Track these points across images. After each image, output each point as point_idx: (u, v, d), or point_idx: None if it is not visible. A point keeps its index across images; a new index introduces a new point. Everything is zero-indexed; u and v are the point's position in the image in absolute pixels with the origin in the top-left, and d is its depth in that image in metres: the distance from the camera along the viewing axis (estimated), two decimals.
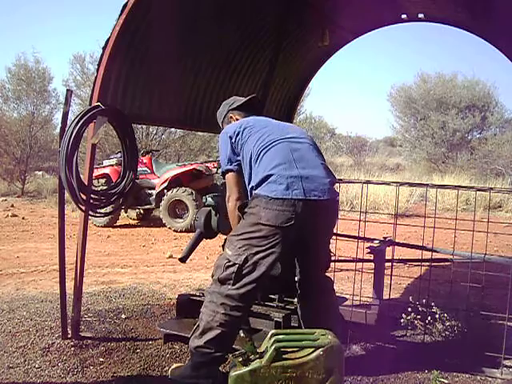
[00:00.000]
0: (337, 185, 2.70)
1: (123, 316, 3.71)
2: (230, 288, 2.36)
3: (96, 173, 8.15)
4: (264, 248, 2.34)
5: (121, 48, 3.06)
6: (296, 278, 2.67)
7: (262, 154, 2.46)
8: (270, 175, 2.37)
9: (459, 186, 3.63)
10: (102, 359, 2.90)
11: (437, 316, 3.21)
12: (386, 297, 3.65)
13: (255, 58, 4.55)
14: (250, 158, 2.49)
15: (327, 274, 2.75)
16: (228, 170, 2.59)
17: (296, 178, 2.35)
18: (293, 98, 5.44)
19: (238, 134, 2.58)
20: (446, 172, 16.24)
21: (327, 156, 22.34)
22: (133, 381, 2.65)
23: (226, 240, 2.67)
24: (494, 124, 20.24)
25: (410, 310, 3.30)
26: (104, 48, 3.00)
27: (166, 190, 8.44)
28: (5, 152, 12.84)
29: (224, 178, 2.65)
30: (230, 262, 2.37)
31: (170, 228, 8.29)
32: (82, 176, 3.00)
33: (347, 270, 4.89)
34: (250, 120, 2.68)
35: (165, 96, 3.73)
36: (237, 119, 2.82)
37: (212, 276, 2.55)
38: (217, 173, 8.66)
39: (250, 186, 2.47)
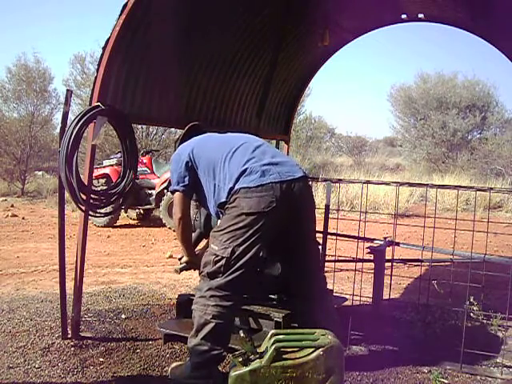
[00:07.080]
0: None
1: (123, 316, 3.71)
2: (219, 280, 2.42)
3: (96, 173, 8.14)
4: (248, 236, 2.40)
5: (121, 48, 3.07)
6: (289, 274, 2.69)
7: (228, 157, 2.57)
8: (245, 169, 2.48)
9: (459, 186, 3.63)
10: (102, 359, 2.90)
11: (436, 316, 3.22)
12: (386, 297, 3.65)
13: (255, 58, 4.55)
14: (214, 166, 2.60)
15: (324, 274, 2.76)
16: (175, 190, 2.70)
17: (269, 165, 2.50)
18: (293, 97, 5.44)
19: (193, 150, 2.69)
20: (446, 172, 16.23)
21: (327, 156, 22.33)
22: (133, 381, 2.65)
23: None
24: (494, 124, 20.25)
25: (409, 309, 3.30)
26: (104, 48, 3.00)
27: (165, 190, 8.41)
28: (5, 152, 12.83)
29: (172, 196, 2.80)
30: (217, 256, 2.42)
31: (169, 228, 8.27)
32: (82, 176, 3.00)
33: (347, 270, 4.90)
34: (199, 138, 2.81)
35: (165, 96, 3.73)
36: None
37: (200, 273, 2.59)
38: None
39: (229, 187, 2.51)
